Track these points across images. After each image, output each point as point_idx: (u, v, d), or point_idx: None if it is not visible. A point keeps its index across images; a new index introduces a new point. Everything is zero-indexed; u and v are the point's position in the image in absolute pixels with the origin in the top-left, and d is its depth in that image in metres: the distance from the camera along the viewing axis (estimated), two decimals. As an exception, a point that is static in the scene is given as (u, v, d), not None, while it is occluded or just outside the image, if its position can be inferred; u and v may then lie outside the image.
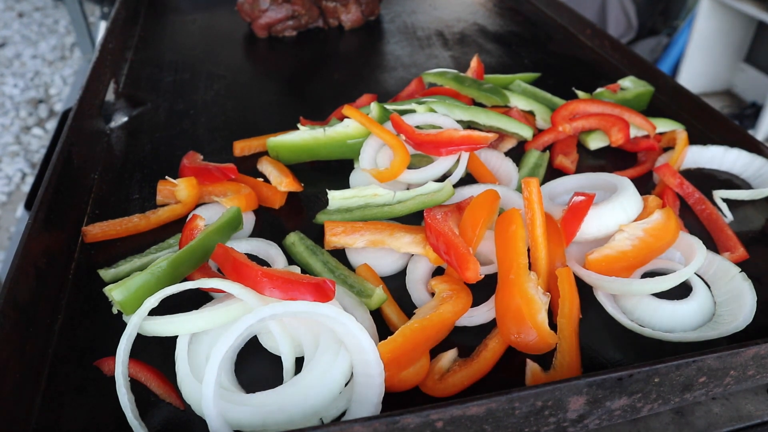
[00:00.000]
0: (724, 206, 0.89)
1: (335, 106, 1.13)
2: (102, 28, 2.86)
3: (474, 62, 1.19)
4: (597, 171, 0.91)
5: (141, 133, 1.12)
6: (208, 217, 0.86)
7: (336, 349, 0.62)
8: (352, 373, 0.62)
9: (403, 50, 1.47)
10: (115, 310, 0.66)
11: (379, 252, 0.79)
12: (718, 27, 3.18)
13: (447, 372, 0.65)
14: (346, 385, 0.61)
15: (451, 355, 0.67)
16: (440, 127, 0.96)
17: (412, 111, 0.99)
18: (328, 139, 0.95)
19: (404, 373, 0.62)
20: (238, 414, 0.58)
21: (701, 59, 3.29)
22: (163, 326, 0.64)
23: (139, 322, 0.64)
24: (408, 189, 0.91)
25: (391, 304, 0.72)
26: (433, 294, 0.74)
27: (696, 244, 0.74)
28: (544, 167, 0.97)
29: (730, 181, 0.98)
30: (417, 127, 0.96)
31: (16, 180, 3.17)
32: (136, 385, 0.63)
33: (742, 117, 3.15)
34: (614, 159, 1.03)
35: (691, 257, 0.73)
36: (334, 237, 0.78)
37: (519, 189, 0.89)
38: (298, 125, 1.00)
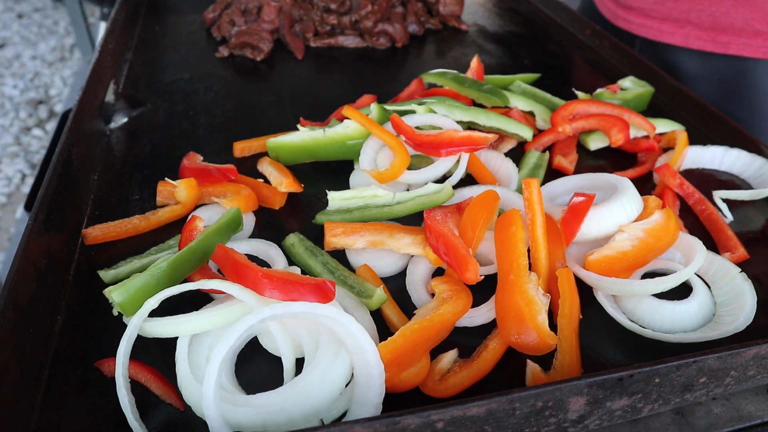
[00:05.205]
0: (724, 206, 0.89)
1: (335, 107, 1.13)
2: (102, 28, 2.86)
3: (474, 63, 1.19)
4: (597, 171, 0.91)
5: (141, 134, 1.12)
6: (207, 218, 0.86)
7: (336, 350, 0.62)
8: (352, 374, 0.62)
9: (403, 51, 1.47)
10: (115, 312, 0.66)
11: (379, 253, 0.79)
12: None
13: (447, 372, 0.65)
14: (346, 386, 0.61)
15: (451, 355, 0.67)
16: (440, 128, 0.96)
17: (412, 112, 0.99)
18: (327, 140, 0.95)
19: (405, 373, 0.62)
20: (238, 415, 0.58)
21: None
22: (164, 327, 0.64)
23: (140, 324, 0.64)
24: (408, 190, 0.91)
25: (391, 305, 0.72)
26: (433, 295, 0.74)
27: (696, 244, 0.74)
28: (544, 168, 0.97)
29: (731, 182, 0.98)
30: (417, 127, 0.96)
31: (16, 181, 3.17)
32: (136, 386, 0.63)
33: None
34: (614, 159, 1.03)
35: (691, 258, 0.73)
36: (334, 238, 0.78)
37: (519, 190, 0.89)
38: (298, 126, 1.00)
